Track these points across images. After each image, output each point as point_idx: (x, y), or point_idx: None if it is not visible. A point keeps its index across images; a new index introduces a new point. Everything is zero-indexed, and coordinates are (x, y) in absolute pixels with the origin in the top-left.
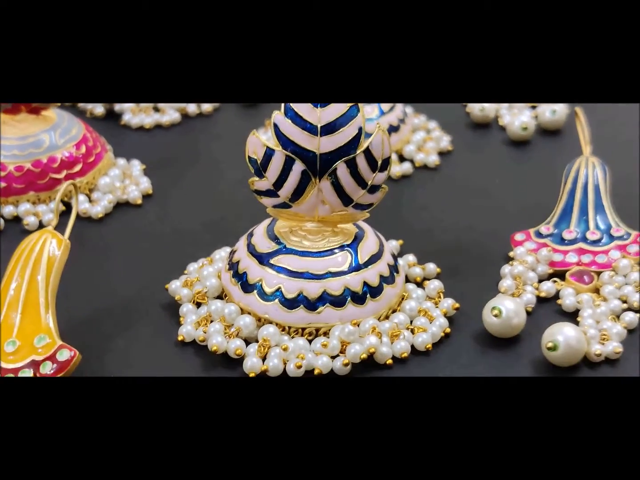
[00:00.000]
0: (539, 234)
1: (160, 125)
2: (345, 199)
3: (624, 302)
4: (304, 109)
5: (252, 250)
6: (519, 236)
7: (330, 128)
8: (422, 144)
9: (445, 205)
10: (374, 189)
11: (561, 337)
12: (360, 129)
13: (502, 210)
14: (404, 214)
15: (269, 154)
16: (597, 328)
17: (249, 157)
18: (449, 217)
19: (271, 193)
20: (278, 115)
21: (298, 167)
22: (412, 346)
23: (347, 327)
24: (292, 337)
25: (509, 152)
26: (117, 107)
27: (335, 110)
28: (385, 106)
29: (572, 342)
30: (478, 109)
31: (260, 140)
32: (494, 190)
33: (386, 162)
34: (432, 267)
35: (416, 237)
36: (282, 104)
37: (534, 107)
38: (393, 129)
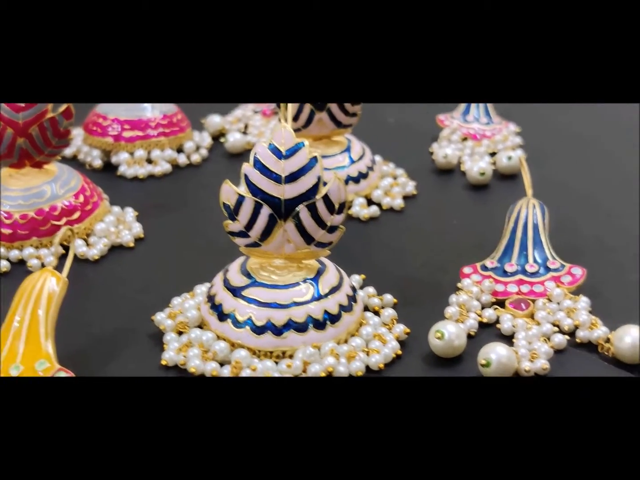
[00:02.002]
0: (485, 268)
1: (153, 175)
2: (308, 238)
3: (557, 326)
4: (270, 161)
5: (227, 284)
6: (466, 269)
7: (293, 177)
8: (389, 189)
9: (406, 243)
10: (332, 229)
11: (494, 355)
12: (319, 178)
13: (457, 248)
14: (369, 251)
15: (240, 200)
16: (528, 348)
17: (223, 203)
18: (409, 254)
19: (243, 234)
20: (247, 167)
21: (266, 211)
22: (367, 366)
23: (309, 349)
24: (261, 360)
25: (469, 195)
26: (114, 159)
27: (298, 161)
28: (355, 155)
29: (503, 360)
30: (441, 156)
31: (232, 188)
32: (451, 230)
33: (342, 206)
34: (389, 297)
35: (379, 272)
36: (252, 157)
37: (492, 154)
38: (362, 176)
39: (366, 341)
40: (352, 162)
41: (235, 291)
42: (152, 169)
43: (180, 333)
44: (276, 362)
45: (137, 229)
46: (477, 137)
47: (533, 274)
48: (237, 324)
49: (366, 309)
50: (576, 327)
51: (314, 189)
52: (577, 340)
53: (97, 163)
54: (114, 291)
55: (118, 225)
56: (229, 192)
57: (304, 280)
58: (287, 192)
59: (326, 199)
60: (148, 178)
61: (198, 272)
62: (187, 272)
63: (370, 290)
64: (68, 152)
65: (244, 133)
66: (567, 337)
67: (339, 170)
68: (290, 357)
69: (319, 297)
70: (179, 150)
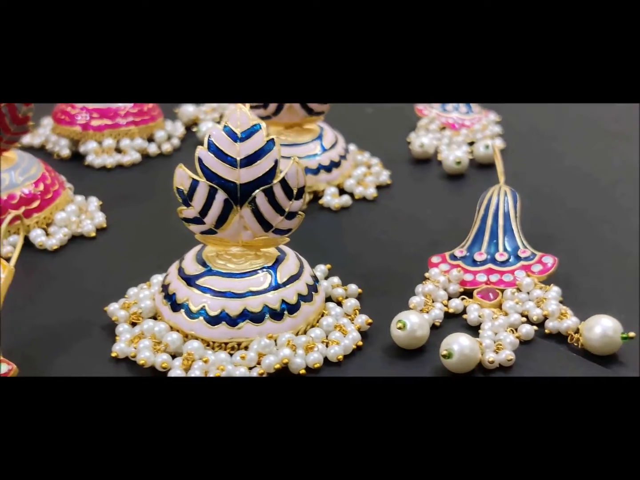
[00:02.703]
0: (453, 257)
1: (121, 165)
2: (265, 225)
3: (525, 316)
4: (225, 144)
5: (181, 273)
6: (435, 259)
7: (248, 160)
8: (362, 178)
9: (378, 233)
10: (291, 215)
11: (456, 345)
12: (276, 161)
13: (429, 237)
14: (339, 241)
15: (194, 185)
16: (494, 339)
17: (176, 188)
18: (380, 244)
19: (198, 220)
20: (201, 150)
21: (221, 196)
22: (326, 358)
23: (264, 340)
24: (215, 351)
25: (445, 185)
26: (82, 148)
27: (254, 144)
28: (327, 143)
29: (465, 351)
30: (418, 146)
31: (186, 172)
32: (424, 219)
33: (301, 191)
34: (353, 287)
35: (348, 262)
36: (206, 140)
37: (471, 144)
38: (334, 165)
39: (326, 332)
40: (324, 150)
41: (190, 280)
42: (120, 159)
43: (134, 324)
44: (231, 354)
45: (100, 218)
46: (455, 127)
47: (503, 263)
48: (190, 314)
49: (330, 299)
50: (545, 318)
51: (271, 173)
52: (546, 330)
53: (65, 152)
54: (71, 282)
55: (80, 214)
56: (182, 176)
57: (262, 269)
58: (242, 176)
59: (284, 183)
60: (116, 168)
61: (159, 263)
62: (149, 263)
63: (335, 280)
64: (36, 141)
65: (218, 123)
66: (535, 327)
67: (311, 159)
68: (246, 348)
69: (276, 287)
70: (150, 139)
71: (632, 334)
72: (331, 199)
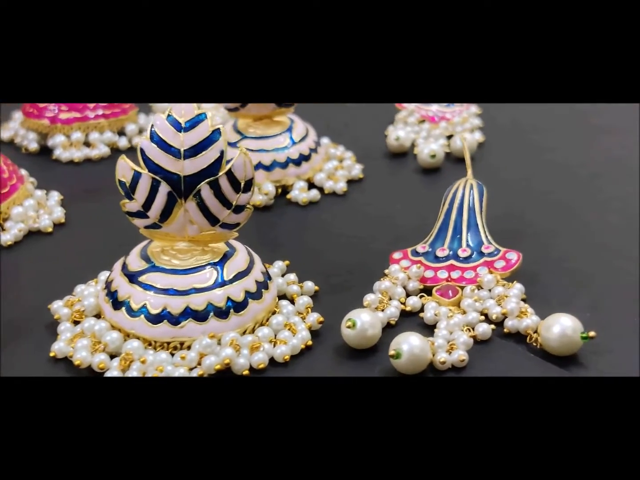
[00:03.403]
0: (415, 253)
1: (89, 159)
2: (212, 219)
3: (485, 315)
4: (168, 134)
5: (125, 269)
6: (396, 255)
7: (193, 151)
8: (333, 172)
9: (344, 228)
10: (239, 209)
11: (406, 345)
12: (221, 152)
13: (396, 233)
14: (304, 236)
15: (136, 177)
16: (448, 338)
17: (119, 180)
18: (345, 239)
19: (141, 214)
20: (144, 140)
21: (164, 189)
22: (273, 358)
23: (205, 339)
24: (157, 351)
25: (419, 179)
26: (50, 142)
27: (198, 134)
28: (297, 136)
29: (415, 351)
30: (393, 139)
31: (128, 163)
32: (394, 214)
33: (249, 184)
34: (309, 285)
35: (311, 258)
36: (148, 129)
37: (449, 137)
38: (304, 158)
39: (276, 331)
40: (294, 143)
41: (132, 277)
42: (89, 153)
43: (77, 323)
44: (173, 354)
45: (59, 213)
46: (435, 119)
47: (465, 259)
48: (131, 312)
49: (285, 297)
50: (504, 316)
51: (216, 164)
52: (505, 330)
53: (33, 146)
54: (20, 279)
55: (38, 209)
56: (124, 168)
57: (208, 265)
58: (186, 168)
59: (230, 175)
60: (84, 162)
61: (113, 260)
62: (103, 260)
63: (292, 277)
64: (5, 135)
65: None
66: (493, 326)
67: (279, 152)
68: (190, 348)
69: (222, 283)
70: (121, 133)
71: (592, 333)
72: (299, 193)
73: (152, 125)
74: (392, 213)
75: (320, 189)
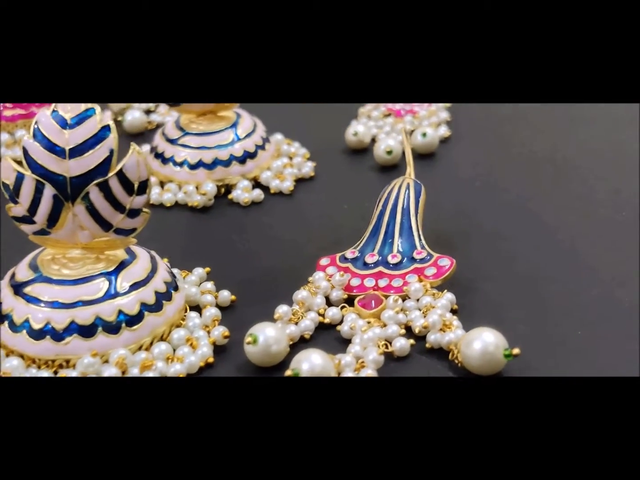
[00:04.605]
0: (344, 259)
1: None
2: (104, 224)
3: (409, 328)
4: (52, 131)
5: (12, 280)
6: (323, 261)
7: (79, 150)
8: (281, 171)
9: (281, 231)
10: (133, 213)
11: (306, 364)
12: (111, 151)
13: (337, 236)
14: (235, 240)
15: (19, 178)
16: (360, 355)
17: (2, 182)
18: (279, 243)
19: (27, 219)
20: (27, 139)
21: (49, 191)
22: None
23: (87, 358)
24: (41, 369)
25: (375, 177)
26: None
27: (85, 131)
28: (242, 132)
29: (317, 370)
30: (351, 134)
31: (11, 164)
32: (338, 215)
33: (144, 185)
34: (225, 294)
35: (235, 263)
36: (32, 126)
37: (411, 132)
38: (249, 156)
39: (176, 347)
40: (238, 139)
41: (18, 288)
42: None
43: None
44: (56, 373)
45: None
46: (400, 113)
47: (395, 266)
48: (13, 327)
49: (197, 308)
50: (425, 329)
51: (106, 164)
52: (427, 345)
53: None
54: None
55: None
56: (8, 169)
57: (100, 275)
58: (72, 168)
59: (121, 176)
60: None
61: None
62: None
63: (208, 285)
64: None
65: (151, 112)
66: (412, 341)
67: (222, 149)
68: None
69: (114, 295)
70: None
71: (516, 350)
72: (241, 193)
73: (36, 122)
74: (337, 214)
75: (267, 189)
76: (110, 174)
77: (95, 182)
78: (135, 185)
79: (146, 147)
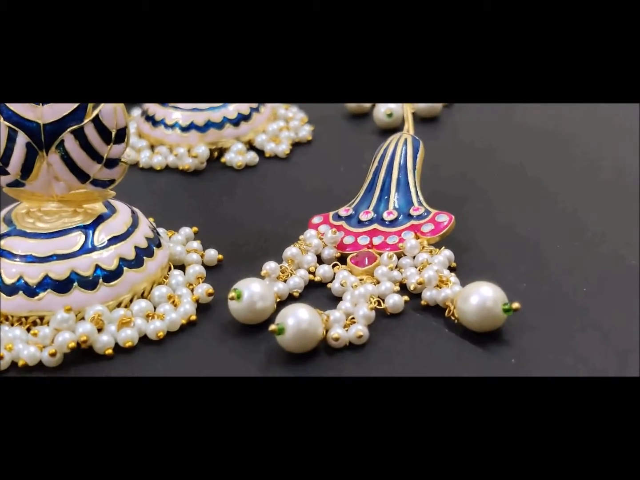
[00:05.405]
0: (337, 217)
1: None
2: (80, 175)
3: (403, 285)
4: None
5: None
6: (316, 219)
7: None
8: (277, 134)
9: (275, 194)
10: (111, 163)
11: (292, 319)
12: None
13: (331, 198)
14: (227, 202)
15: None
16: (351, 312)
17: None
18: (273, 205)
19: (0, 170)
20: None
21: (22, 139)
22: (146, 335)
23: (60, 314)
24: (14, 326)
25: (374, 141)
26: None
27: None
28: None
29: (302, 326)
30: None
31: None
32: (333, 179)
33: (122, 133)
34: (212, 253)
35: (225, 225)
36: None
37: None
38: (243, 118)
39: (157, 304)
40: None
41: None
42: None
43: None
44: (29, 330)
45: None
46: None
47: (391, 223)
48: None
49: (182, 267)
50: (420, 285)
51: (81, 110)
52: (422, 302)
53: None
54: None
55: None
56: None
57: (76, 228)
58: (45, 114)
59: (97, 123)
60: None
61: None
62: None
63: (195, 245)
64: None
65: None
66: (406, 297)
67: (215, 111)
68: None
69: (90, 249)
70: None
71: (515, 304)
72: (235, 156)
73: None
74: (333, 177)
75: (262, 152)
76: (85, 121)
77: (70, 129)
78: (113, 133)
79: (137, 111)
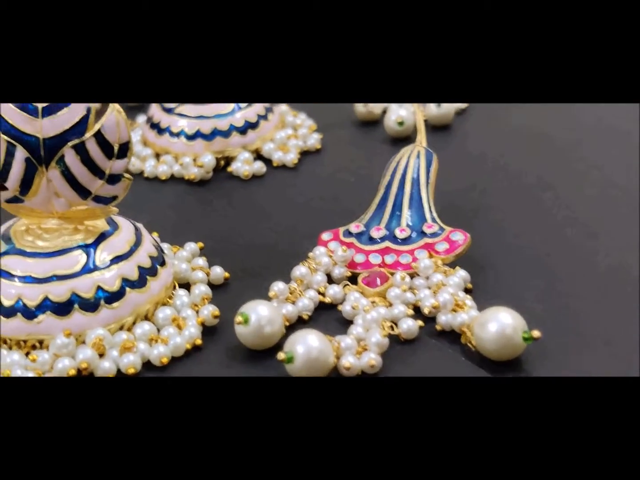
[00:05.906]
0: (348, 233)
1: None
2: (81, 191)
3: (417, 308)
4: None
5: None
6: (325, 235)
7: (52, 108)
8: (285, 142)
9: (283, 206)
10: (113, 178)
11: (301, 347)
12: (88, 109)
13: (342, 211)
14: (231, 214)
15: None
16: (362, 337)
17: None
18: (279, 217)
19: None
20: None
21: (20, 154)
22: (149, 361)
23: (60, 338)
24: (12, 350)
25: (385, 149)
26: None
27: None
28: None
29: (313, 354)
30: (361, 105)
31: None
32: (344, 189)
33: (125, 148)
34: (218, 271)
35: (230, 239)
36: None
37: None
38: (251, 126)
39: (161, 327)
40: (239, 109)
41: None
42: None
43: None
44: (27, 354)
45: None
46: None
47: (404, 241)
48: None
49: (186, 285)
50: (435, 310)
51: (83, 124)
52: (437, 327)
53: None
54: None
55: None
56: None
57: (77, 247)
58: (45, 128)
59: (100, 137)
60: None
61: None
62: None
63: (200, 261)
64: None
65: None
66: (420, 322)
67: (221, 119)
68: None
69: (92, 269)
70: None
71: (536, 333)
72: (242, 165)
73: None
74: (343, 188)
75: (269, 162)
76: (87, 135)
77: (71, 143)
78: (115, 148)
79: (142, 118)
